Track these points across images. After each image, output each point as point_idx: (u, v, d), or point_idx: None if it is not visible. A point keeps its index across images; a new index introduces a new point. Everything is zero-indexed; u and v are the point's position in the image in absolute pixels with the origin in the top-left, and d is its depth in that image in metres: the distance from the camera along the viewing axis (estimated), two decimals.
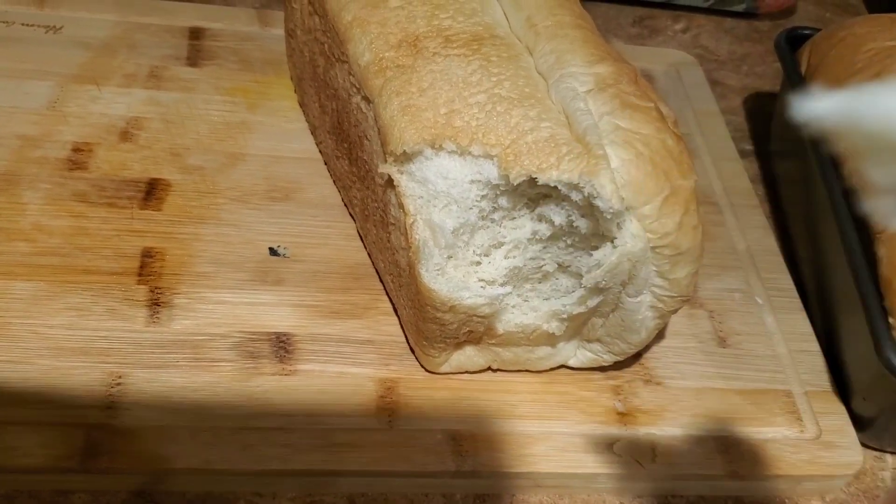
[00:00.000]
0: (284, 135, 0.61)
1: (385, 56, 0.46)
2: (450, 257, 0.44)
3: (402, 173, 0.44)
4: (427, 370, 0.49)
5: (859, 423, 0.51)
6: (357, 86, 0.48)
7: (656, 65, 0.73)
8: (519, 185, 0.42)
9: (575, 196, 0.41)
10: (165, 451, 0.43)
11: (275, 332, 0.49)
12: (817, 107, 0.28)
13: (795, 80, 0.62)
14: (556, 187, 0.41)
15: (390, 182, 0.45)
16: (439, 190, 0.43)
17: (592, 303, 0.45)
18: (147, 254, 0.51)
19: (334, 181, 0.58)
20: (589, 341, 0.49)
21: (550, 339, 0.48)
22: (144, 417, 0.44)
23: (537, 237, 0.44)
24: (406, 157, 0.44)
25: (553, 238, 0.45)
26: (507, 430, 0.47)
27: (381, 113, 0.45)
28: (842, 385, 0.53)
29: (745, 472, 0.48)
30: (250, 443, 0.44)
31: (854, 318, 0.51)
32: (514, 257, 0.45)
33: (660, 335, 0.52)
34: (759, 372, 0.53)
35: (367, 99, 0.47)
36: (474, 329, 0.46)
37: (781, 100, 0.69)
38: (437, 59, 0.44)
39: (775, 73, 0.80)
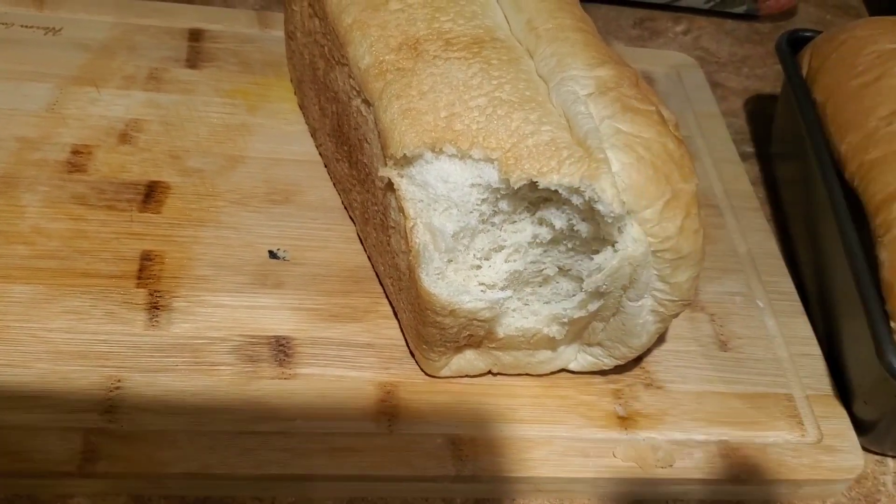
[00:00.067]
0: (284, 137, 0.60)
1: (385, 59, 0.46)
2: (450, 261, 0.44)
3: (402, 177, 0.44)
4: (427, 374, 0.49)
5: (860, 426, 0.51)
6: (357, 89, 0.48)
7: (657, 67, 0.73)
8: (519, 188, 0.42)
9: (576, 200, 0.41)
10: (164, 456, 0.43)
11: (274, 336, 0.49)
12: None
13: (797, 82, 0.62)
14: (556, 191, 0.41)
15: (390, 185, 0.45)
16: (439, 193, 0.43)
17: (593, 307, 0.45)
18: (146, 257, 0.51)
19: (334, 184, 0.57)
20: (590, 345, 0.49)
21: (551, 343, 0.48)
22: (143, 421, 0.44)
23: (538, 241, 0.44)
24: (406, 161, 0.43)
25: (554, 242, 0.44)
26: (507, 435, 0.47)
27: (381, 116, 0.44)
28: (843, 389, 0.53)
29: (746, 476, 0.48)
30: (250, 447, 0.44)
31: (855, 321, 0.51)
32: (515, 261, 0.45)
33: (661, 339, 0.52)
34: (760, 376, 0.53)
35: (367, 102, 0.47)
36: (474, 333, 0.45)
37: (782, 102, 0.69)
38: (437, 63, 0.44)
39: (776, 75, 0.80)
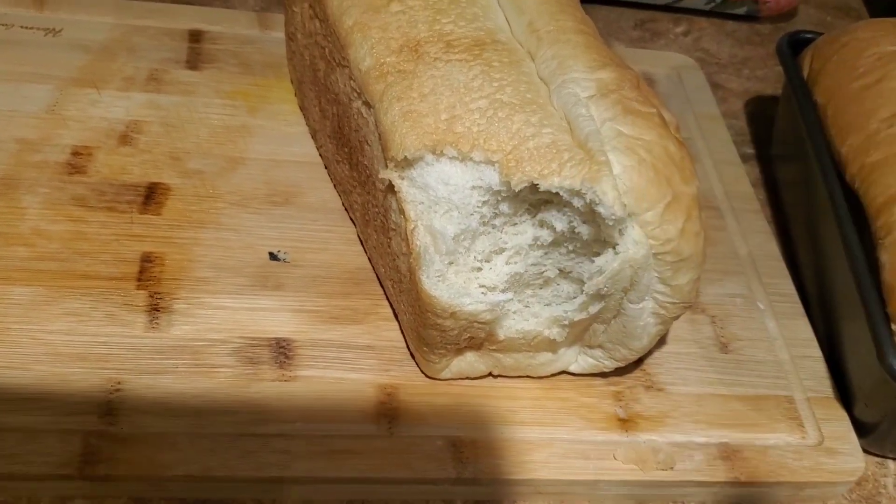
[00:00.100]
0: (285, 138, 0.60)
1: (386, 61, 0.46)
2: (451, 263, 0.44)
3: (402, 179, 0.44)
4: (427, 376, 0.49)
5: (861, 429, 0.51)
6: (358, 91, 0.48)
7: (658, 68, 0.73)
8: (520, 191, 0.42)
9: (577, 202, 0.41)
10: (165, 458, 0.43)
11: (274, 338, 0.49)
12: None
13: (797, 84, 0.62)
14: (557, 193, 0.41)
15: (391, 188, 0.45)
16: (440, 196, 0.43)
17: (594, 309, 0.44)
18: (146, 258, 0.51)
19: (335, 185, 0.57)
20: (590, 347, 0.49)
21: (551, 345, 0.48)
22: (143, 424, 0.44)
23: (539, 243, 0.44)
24: (407, 163, 0.43)
25: (554, 244, 0.44)
26: (507, 437, 0.47)
27: (381, 118, 0.44)
28: (844, 391, 0.53)
29: (746, 478, 0.48)
30: (250, 449, 0.44)
31: (856, 323, 0.50)
32: (516, 263, 0.45)
33: (661, 341, 0.52)
34: (760, 378, 0.53)
35: (367, 104, 0.47)
36: (475, 335, 0.45)
37: (783, 104, 0.69)
38: (438, 65, 0.44)
39: (777, 77, 0.80)
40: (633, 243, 0.41)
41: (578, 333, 0.47)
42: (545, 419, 0.48)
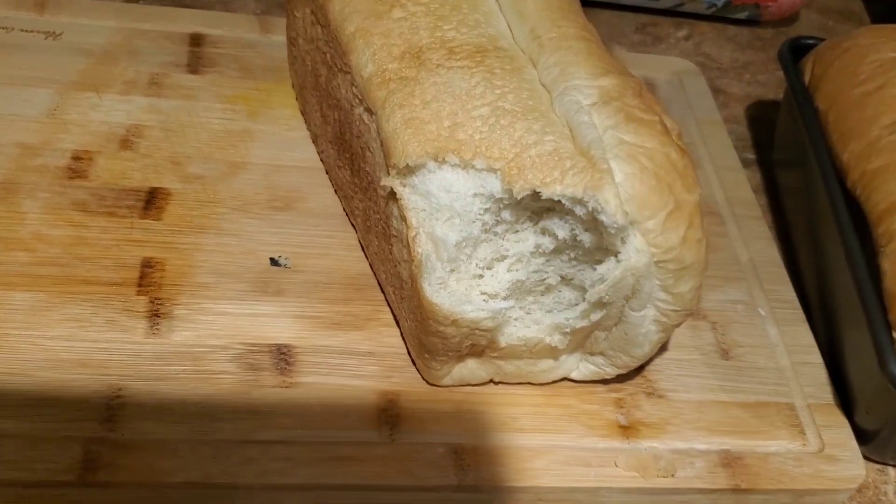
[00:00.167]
0: (286, 143, 0.60)
1: (388, 68, 0.45)
2: (452, 271, 0.44)
3: (404, 186, 0.44)
4: (429, 383, 0.49)
5: (862, 436, 0.51)
6: (360, 97, 0.48)
7: (659, 73, 0.73)
8: (522, 198, 0.42)
9: (579, 210, 0.41)
10: (165, 465, 0.43)
11: (276, 344, 0.49)
12: None
13: (799, 90, 0.62)
14: (559, 201, 0.41)
15: (393, 194, 0.44)
16: (442, 203, 0.43)
17: (595, 316, 0.44)
18: (147, 264, 0.51)
19: (336, 190, 0.57)
20: (592, 354, 0.49)
21: (553, 352, 0.48)
22: (144, 430, 0.44)
23: (540, 251, 0.44)
24: (409, 170, 0.43)
25: (556, 251, 0.44)
26: (509, 444, 0.47)
27: (383, 125, 0.44)
28: (845, 398, 0.53)
29: (747, 485, 0.48)
30: (251, 456, 0.44)
31: (857, 330, 0.50)
32: (517, 270, 0.45)
33: (662, 347, 0.52)
34: (761, 384, 0.53)
35: (369, 110, 0.47)
36: (477, 342, 0.45)
37: (784, 109, 0.69)
38: (440, 72, 0.44)
39: (778, 82, 0.80)
40: (634, 251, 0.41)
41: (580, 340, 0.47)
42: (546, 426, 0.48)
